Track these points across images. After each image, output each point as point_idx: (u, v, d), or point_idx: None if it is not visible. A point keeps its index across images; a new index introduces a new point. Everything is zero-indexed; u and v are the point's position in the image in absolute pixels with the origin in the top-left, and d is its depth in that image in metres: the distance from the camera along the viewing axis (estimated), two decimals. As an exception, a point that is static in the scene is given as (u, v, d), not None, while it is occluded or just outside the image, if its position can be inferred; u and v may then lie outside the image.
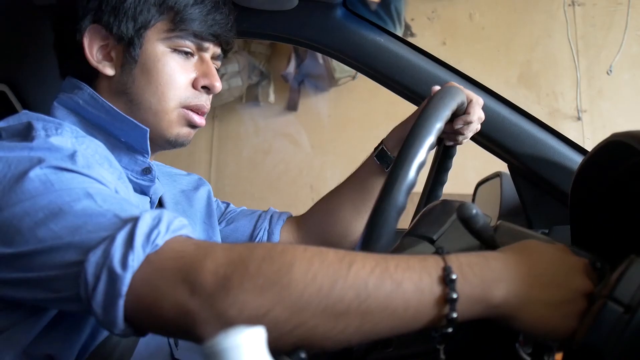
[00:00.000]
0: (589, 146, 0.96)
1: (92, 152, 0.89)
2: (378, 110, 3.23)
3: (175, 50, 1.01)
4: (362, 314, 0.64)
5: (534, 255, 0.69)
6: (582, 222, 0.93)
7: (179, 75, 1.02)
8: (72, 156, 0.81)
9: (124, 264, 0.66)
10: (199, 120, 1.05)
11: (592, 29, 3.27)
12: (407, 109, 1.30)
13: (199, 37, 1.02)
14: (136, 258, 0.67)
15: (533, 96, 3.29)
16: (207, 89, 1.05)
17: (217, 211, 1.31)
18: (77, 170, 0.79)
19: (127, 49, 0.99)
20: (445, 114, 0.81)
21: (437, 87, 1.06)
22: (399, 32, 3.13)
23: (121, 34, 0.98)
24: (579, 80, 3.26)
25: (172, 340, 1.01)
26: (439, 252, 0.67)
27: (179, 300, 0.64)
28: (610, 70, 3.21)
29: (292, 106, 3.50)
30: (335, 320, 0.63)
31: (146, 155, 1.01)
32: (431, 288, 0.65)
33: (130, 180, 1.01)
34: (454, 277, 0.64)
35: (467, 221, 0.72)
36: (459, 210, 0.72)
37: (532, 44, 3.32)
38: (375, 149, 1.25)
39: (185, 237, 0.72)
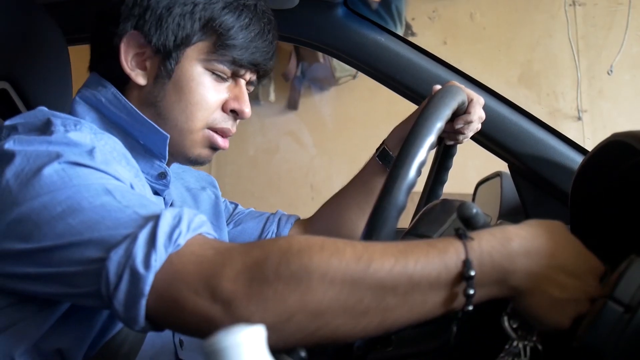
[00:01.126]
0: (589, 146, 0.96)
1: (110, 148, 0.88)
2: (378, 110, 3.23)
3: (212, 72, 1.00)
4: (382, 312, 0.65)
5: (562, 243, 0.69)
6: (582, 222, 0.93)
7: (211, 97, 1.01)
8: (91, 152, 0.81)
9: (147, 263, 0.67)
10: (223, 143, 1.04)
11: (592, 29, 3.27)
12: (408, 108, 1.30)
13: (237, 64, 1.01)
14: (159, 258, 0.67)
15: (534, 96, 3.29)
16: (235, 113, 1.04)
17: (225, 212, 1.30)
18: (95, 167, 0.79)
19: (162, 62, 0.98)
20: (446, 113, 0.81)
21: (438, 86, 1.06)
22: (400, 32, 3.12)
23: (160, 46, 0.97)
24: (579, 80, 3.25)
25: (177, 340, 1.02)
26: (461, 236, 0.67)
27: (200, 306, 0.65)
28: (611, 71, 3.21)
29: (292, 105, 3.50)
30: (357, 320, 0.64)
31: (163, 160, 1.01)
32: (448, 285, 0.65)
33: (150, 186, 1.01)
34: (472, 273, 0.64)
35: (467, 221, 0.72)
36: (460, 210, 0.72)
37: (533, 43, 3.32)
38: (377, 149, 1.25)
39: (205, 236, 0.72)
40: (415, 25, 3.40)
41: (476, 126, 1.13)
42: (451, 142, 1.15)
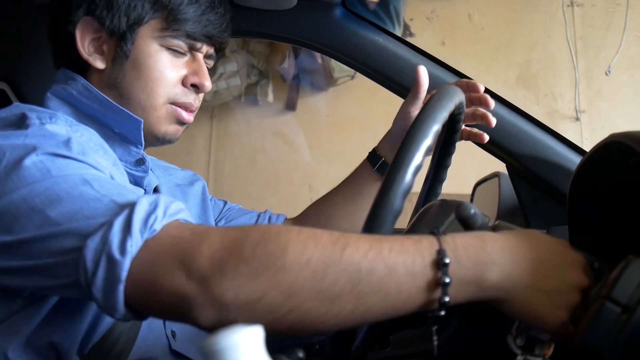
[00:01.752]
0: (587, 147, 0.96)
1: (86, 139, 0.89)
2: (377, 110, 3.23)
3: (168, 48, 1.01)
4: (355, 297, 0.64)
5: (534, 242, 0.69)
6: (580, 223, 0.93)
7: (169, 72, 1.02)
8: (67, 142, 0.82)
9: (123, 249, 0.67)
10: (187, 116, 1.05)
11: (591, 29, 3.28)
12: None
13: (192, 37, 1.02)
14: (134, 244, 0.67)
15: (532, 96, 3.29)
16: (196, 87, 1.05)
17: (215, 209, 1.31)
18: (73, 157, 0.79)
19: (118, 44, 0.99)
20: (443, 115, 0.80)
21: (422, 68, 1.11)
22: (398, 32, 3.13)
23: (113, 29, 0.99)
24: (577, 80, 3.26)
25: (169, 332, 1.02)
26: (434, 232, 0.67)
27: (176, 285, 0.65)
28: (609, 71, 3.22)
29: (290, 106, 3.50)
30: (330, 304, 0.64)
31: (139, 147, 1.02)
32: (424, 272, 0.65)
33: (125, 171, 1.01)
34: (447, 261, 0.64)
35: (465, 221, 0.72)
36: (458, 210, 0.72)
37: (531, 44, 3.32)
38: (369, 153, 1.26)
39: (182, 222, 0.72)
40: (414, 25, 3.41)
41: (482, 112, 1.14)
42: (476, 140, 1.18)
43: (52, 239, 0.71)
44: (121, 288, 0.67)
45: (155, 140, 1.06)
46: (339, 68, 3.25)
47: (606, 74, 3.23)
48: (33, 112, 0.88)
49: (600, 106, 3.26)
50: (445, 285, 0.64)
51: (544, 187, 1.32)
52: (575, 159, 1.30)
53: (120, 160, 1.00)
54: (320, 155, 3.43)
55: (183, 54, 1.03)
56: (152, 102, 1.01)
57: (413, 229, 0.82)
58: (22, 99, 1.17)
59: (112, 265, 0.67)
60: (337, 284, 0.64)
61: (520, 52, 3.32)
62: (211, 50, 1.09)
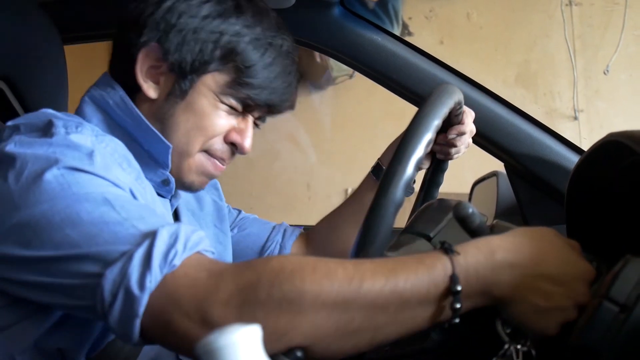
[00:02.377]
0: (586, 146, 0.96)
1: (111, 150, 0.88)
2: (375, 109, 3.23)
3: (224, 103, 0.99)
4: (373, 330, 0.66)
5: (548, 250, 0.70)
6: (578, 222, 0.93)
7: (218, 127, 0.99)
8: (90, 155, 0.81)
9: (142, 284, 0.67)
10: (215, 171, 1.04)
11: (589, 28, 3.27)
12: (404, 107, 1.30)
13: (251, 102, 1.00)
14: (154, 279, 0.67)
15: (530, 96, 3.29)
16: (234, 146, 1.03)
17: (229, 217, 1.30)
18: (94, 172, 0.79)
19: (177, 81, 0.97)
20: (443, 111, 0.80)
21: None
22: (397, 31, 3.12)
23: (177, 65, 0.96)
24: (576, 80, 3.26)
25: None
26: (447, 251, 0.68)
27: (192, 330, 0.66)
28: (607, 70, 3.22)
29: (289, 105, 3.50)
30: (348, 338, 0.66)
31: (166, 169, 1.00)
32: (437, 299, 0.67)
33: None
34: (459, 288, 0.66)
35: (463, 220, 0.72)
36: (456, 209, 0.72)
37: (530, 43, 3.32)
38: (373, 166, 1.26)
39: (201, 257, 0.72)
40: (412, 24, 3.40)
41: (468, 140, 1.13)
42: (442, 157, 1.15)
43: (71, 260, 0.72)
44: (137, 322, 0.68)
45: (181, 186, 1.04)
46: (337, 67, 3.25)
47: (604, 73, 3.23)
48: (60, 120, 0.87)
49: (598, 105, 3.26)
50: (456, 310, 0.67)
51: (542, 186, 1.32)
52: (574, 158, 1.30)
53: (146, 177, 0.98)
54: (319, 154, 3.43)
55: (236, 112, 1.01)
56: (189, 148, 0.99)
57: (412, 227, 0.82)
58: (21, 99, 1.17)
59: (130, 299, 0.67)
60: (355, 321, 0.65)
61: (518, 52, 3.32)
62: (264, 114, 1.06)
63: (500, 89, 1.37)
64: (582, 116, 3.26)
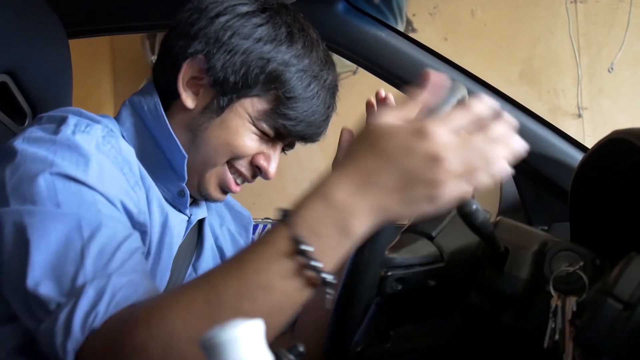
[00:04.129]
0: (589, 144, 0.95)
1: (115, 152, 0.90)
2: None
3: (258, 128, 1.00)
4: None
5: (382, 158, 0.62)
6: (582, 219, 0.93)
7: (248, 147, 1.01)
8: (87, 161, 0.83)
9: (64, 349, 0.70)
10: (235, 188, 1.05)
11: (594, 26, 3.26)
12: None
13: (285, 131, 1.00)
14: (74, 342, 0.70)
15: (534, 93, 3.28)
16: (259, 169, 1.04)
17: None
18: (86, 182, 0.82)
19: (217, 97, 0.98)
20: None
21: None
22: (400, 28, 3.12)
23: (219, 82, 0.97)
24: (580, 77, 3.25)
25: None
26: (284, 218, 0.64)
27: None
28: (612, 68, 3.21)
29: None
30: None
31: (182, 180, 1.01)
32: (298, 268, 0.63)
33: (167, 200, 1.02)
34: (304, 247, 0.61)
35: (467, 217, 0.71)
36: (459, 206, 0.72)
37: (534, 41, 3.31)
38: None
39: (124, 312, 0.72)
40: (416, 21, 3.40)
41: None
42: None
43: (21, 276, 0.75)
44: None
45: (199, 195, 1.05)
46: (341, 63, 3.23)
47: (609, 70, 3.22)
48: (74, 118, 0.89)
49: (602, 103, 3.25)
50: (318, 267, 0.62)
51: (546, 184, 1.32)
52: (577, 156, 1.30)
53: (164, 187, 1.01)
54: (322, 150, 3.43)
55: (267, 138, 1.02)
56: (215, 161, 1.01)
57: (414, 225, 0.82)
58: (25, 93, 1.17)
59: (61, 354, 0.71)
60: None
61: (522, 49, 3.31)
62: (295, 144, 1.08)
63: (504, 86, 1.36)
64: (586, 114, 3.25)
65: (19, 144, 0.84)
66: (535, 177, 1.33)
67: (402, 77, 1.34)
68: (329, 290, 0.64)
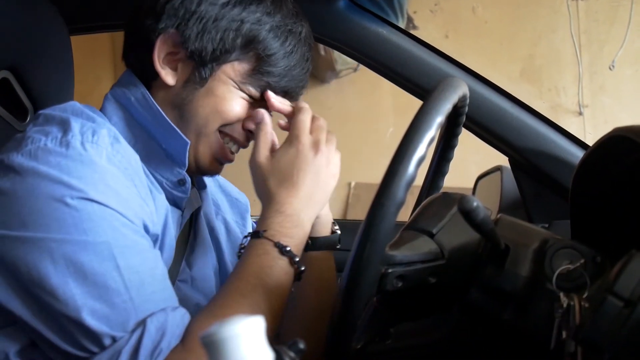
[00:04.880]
0: (590, 141, 0.95)
1: (125, 163, 0.89)
2: (380, 103, 3.22)
3: (243, 91, 1.00)
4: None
5: (296, 177, 0.96)
6: (583, 217, 0.93)
7: (236, 112, 1.00)
8: (104, 178, 0.83)
9: None
10: (230, 155, 1.05)
11: (595, 23, 3.26)
12: (409, 101, 1.30)
13: (270, 89, 1.01)
14: None
15: (535, 91, 3.28)
16: (251, 133, 1.04)
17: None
18: (107, 204, 0.81)
19: (197, 69, 0.98)
20: (446, 107, 0.80)
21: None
22: (401, 25, 3.11)
23: (196, 53, 0.97)
24: (581, 75, 3.25)
25: None
26: (260, 235, 0.92)
27: None
28: (613, 66, 3.21)
29: (293, 98, 3.49)
30: None
31: (183, 167, 1.01)
32: (286, 265, 0.91)
33: (164, 189, 1.01)
34: (288, 248, 0.90)
35: (468, 214, 0.71)
36: (460, 203, 0.71)
37: (535, 38, 3.31)
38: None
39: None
40: (417, 18, 3.40)
41: None
42: None
43: (65, 319, 0.77)
44: None
45: (196, 170, 1.05)
46: (342, 60, 3.24)
47: (610, 68, 3.22)
48: (77, 122, 0.87)
49: (603, 101, 3.25)
50: (298, 262, 0.92)
51: (547, 181, 1.32)
52: (578, 153, 1.30)
53: (162, 177, 1.00)
54: (323, 147, 3.42)
55: (254, 100, 1.02)
56: (206, 130, 1.00)
57: (414, 222, 0.82)
58: (27, 89, 1.17)
59: None
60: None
61: (524, 46, 3.31)
62: None
63: (505, 84, 1.36)
64: (587, 111, 3.25)
65: (27, 160, 0.81)
66: (536, 174, 1.33)
67: (403, 74, 1.33)
68: (302, 268, 0.93)
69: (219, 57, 0.97)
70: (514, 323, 0.74)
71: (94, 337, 0.76)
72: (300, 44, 1.02)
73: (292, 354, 0.50)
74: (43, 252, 0.77)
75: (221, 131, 1.02)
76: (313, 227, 1.02)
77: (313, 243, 1.05)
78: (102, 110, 0.99)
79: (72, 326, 0.76)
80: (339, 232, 1.11)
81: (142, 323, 0.77)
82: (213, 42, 0.96)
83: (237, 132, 1.03)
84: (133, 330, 0.77)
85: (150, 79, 1.00)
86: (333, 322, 0.72)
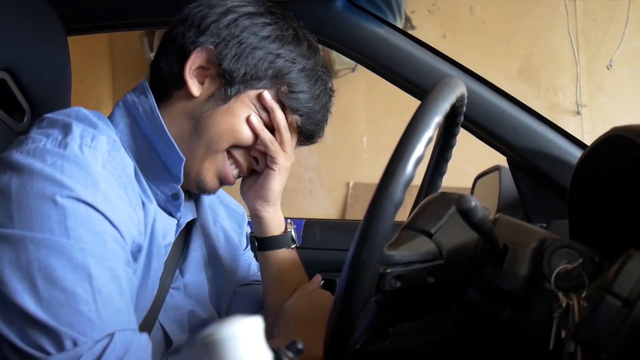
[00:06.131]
0: (588, 141, 0.95)
1: (120, 171, 0.91)
2: (378, 103, 3.22)
3: (261, 118, 1.03)
4: None
5: (301, 330, 1.04)
6: (581, 216, 0.93)
7: (248, 136, 1.03)
8: (96, 182, 0.84)
9: None
10: (232, 178, 1.07)
11: (592, 23, 3.27)
12: (407, 101, 1.30)
13: (288, 124, 1.05)
14: None
15: (533, 90, 3.29)
16: (256, 161, 1.08)
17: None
18: (95, 206, 0.83)
19: (224, 87, 1.01)
20: (445, 107, 0.80)
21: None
22: (399, 25, 3.12)
23: (227, 73, 1.00)
24: (578, 74, 3.25)
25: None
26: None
27: None
28: (611, 65, 3.21)
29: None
30: None
31: (178, 182, 1.02)
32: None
33: (158, 203, 1.02)
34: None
35: (466, 214, 0.71)
36: (458, 203, 0.71)
37: (533, 38, 3.32)
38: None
39: None
40: (415, 18, 3.40)
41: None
42: None
43: (23, 303, 0.77)
44: None
45: (195, 184, 1.07)
46: (339, 60, 3.24)
47: (608, 68, 3.22)
48: (79, 127, 0.89)
49: (601, 100, 3.25)
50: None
51: (545, 181, 1.32)
52: (576, 153, 1.30)
53: (158, 189, 1.02)
54: (321, 147, 3.43)
55: (269, 129, 1.05)
56: (217, 147, 1.03)
57: (413, 222, 0.82)
58: (23, 89, 1.17)
59: None
60: None
61: (521, 46, 3.31)
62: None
63: (502, 83, 1.36)
64: (584, 111, 3.26)
65: (25, 157, 0.84)
66: (534, 174, 1.33)
67: (401, 73, 1.33)
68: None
69: (248, 81, 1.01)
70: (513, 323, 0.74)
71: (55, 337, 0.76)
72: (326, 92, 1.08)
73: (290, 354, 0.50)
74: (20, 254, 0.78)
75: (229, 152, 1.04)
76: (266, 227, 1.13)
77: (262, 243, 1.14)
78: (111, 115, 1.02)
79: (31, 324, 0.76)
80: (292, 232, 1.17)
81: (110, 336, 0.78)
82: (246, 67, 1.00)
83: (243, 157, 1.06)
84: (98, 340, 0.77)
85: (174, 87, 1.03)
86: (332, 322, 0.72)
